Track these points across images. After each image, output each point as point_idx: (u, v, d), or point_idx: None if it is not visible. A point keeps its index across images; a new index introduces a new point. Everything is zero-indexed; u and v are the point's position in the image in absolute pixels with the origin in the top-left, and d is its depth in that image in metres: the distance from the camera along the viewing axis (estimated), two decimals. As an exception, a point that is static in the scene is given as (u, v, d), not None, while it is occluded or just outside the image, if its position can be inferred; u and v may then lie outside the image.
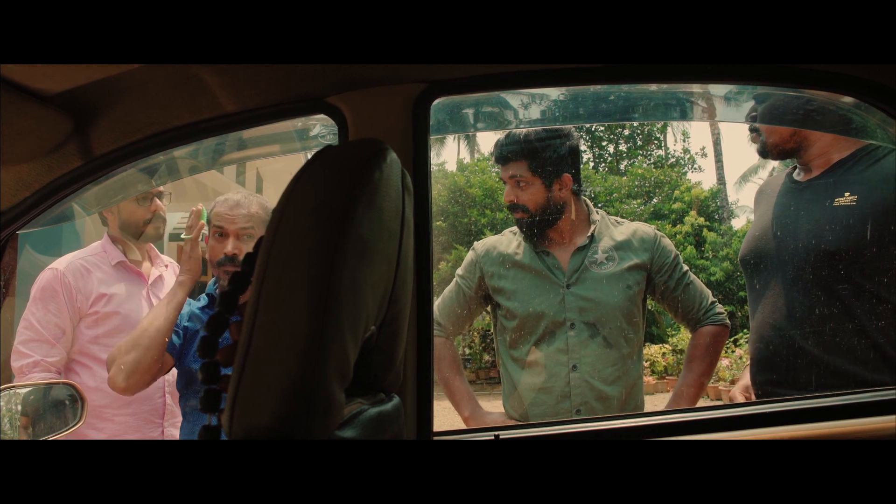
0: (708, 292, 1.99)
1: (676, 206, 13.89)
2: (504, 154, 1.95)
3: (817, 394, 1.28)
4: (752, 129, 1.80)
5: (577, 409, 1.85)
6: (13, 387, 1.63)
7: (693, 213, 13.58)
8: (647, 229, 2.02)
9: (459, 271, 2.08)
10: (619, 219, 2.06)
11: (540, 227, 1.95)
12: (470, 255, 2.08)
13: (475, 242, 2.13)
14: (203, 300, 2.01)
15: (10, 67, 0.97)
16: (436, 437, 1.13)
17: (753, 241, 1.80)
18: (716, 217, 14.63)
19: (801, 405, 1.17)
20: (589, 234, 1.97)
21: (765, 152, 1.79)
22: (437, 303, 2.13)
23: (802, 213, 1.69)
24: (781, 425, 1.13)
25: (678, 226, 13.38)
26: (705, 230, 13.23)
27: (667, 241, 2.00)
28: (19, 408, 1.55)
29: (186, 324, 1.96)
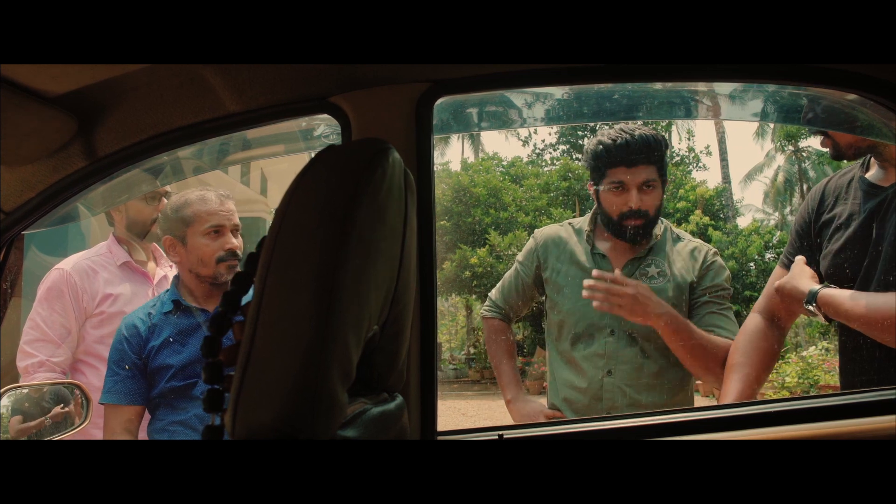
0: (735, 332, 1.86)
1: (681, 204, 13.87)
2: (633, 155, 1.86)
3: (817, 394, 1.28)
4: (820, 133, 1.67)
5: (608, 411, 1.84)
6: (19, 387, 1.64)
7: (698, 211, 13.56)
8: (710, 250, 1.98)
9: (519, 257, 2.12)
10: (682, 233, 2.02)
11: (645, 231, 1.91)
12: (530, 243, 2.10)
13: (535, 230, 2.15)
14: (167, 305, 1.95)
15: (15, 68, 0.97)
16: (440, 437, 1.13)
17: (837, 257, 1.65)
18: (721, 216, 14.61)
19: (801, 405, 1.17)
20: (648, 246, 1.94)
21: (840, 155, 1.65)
22: (497, 286, 2.17)
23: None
24: (781, 425, 1.12)
25: (683, 225, 13.36)
26: (710, 229, 13.21)
27: (721, 264, 1.95)
28: (25, 406, 1.56)
29: (149, 337, 1.91)
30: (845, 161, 1.71)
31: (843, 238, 1.64)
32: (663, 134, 1.97)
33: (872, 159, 1.67)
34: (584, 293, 1.82)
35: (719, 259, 1.96)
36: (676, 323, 1.77)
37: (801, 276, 1.64)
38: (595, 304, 1.79)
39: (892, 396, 1.14)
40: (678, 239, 1.98)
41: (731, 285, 1.99)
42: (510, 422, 1.98)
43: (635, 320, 1.80)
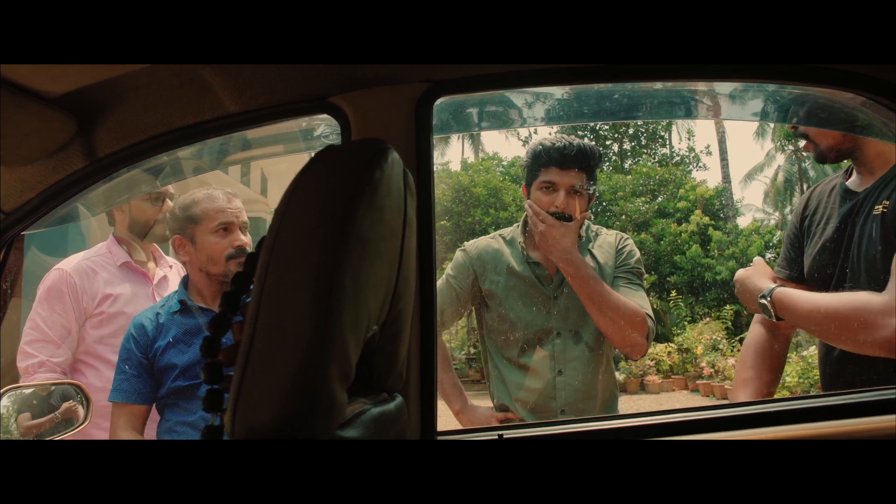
0: (647, 308, 1.95)
1: (681, 204, 13.88)
2: (567, 159, 1.95)
3: (817, 394, 1.28)
4: (802, 137, 1.73)
5: (562, 409, 1.93)
6: (19, 387, 1.64)
7: (698, 211, 13.57)
8: (622, 236, 2.10)
9: (450, 271, 2.14)
10: (601, 229, 2.11)
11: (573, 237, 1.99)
12: (460, 256, 2.13)
13: (465, 244, 2.18)
14: (175, 305, 1.97)
15: (15, 68, 0.97)
16: (439, 437, 1.13)
17: (816, 259, 1.72)
18: (721, 216, 14.61)
19: (801, 405, 1.17)
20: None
21: (822, 158, 1.70)
22: None
23: (863, 227, 1.61)
24: (781, 425, 1.13)
25: (683, 224, 13.37)
26: (710, 229, 13.21)
27: (632, 248, 2.06)
28: (33, 404, 1.56)
29: (156, 337, 1.93)
30: (846, 162, 1.73)
31: (821, 241, 1.70)
32: (600, 148, 2.04)
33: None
34: (528, 212, 1.98)
35: (630, 243, 2.08)
36: (577, 267, 1.88)
37: (763, 275, 1.71)
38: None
39: (892, 396, 1.14)
40: (598, 234, 2.09)
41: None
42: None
43: (546, 254, 1.95)
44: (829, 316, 1.49)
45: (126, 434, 1.88)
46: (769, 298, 1.62)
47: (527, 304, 1.99)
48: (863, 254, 1.57)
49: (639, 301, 1.92)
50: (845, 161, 1.73)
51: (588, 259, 1.98)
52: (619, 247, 2.05)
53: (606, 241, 2.06)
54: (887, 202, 1.53)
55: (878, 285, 1.48)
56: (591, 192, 1.99)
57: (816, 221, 1.75)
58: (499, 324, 2.03)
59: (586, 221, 2.08)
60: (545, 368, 1.95)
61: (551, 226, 1.90)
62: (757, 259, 1.81)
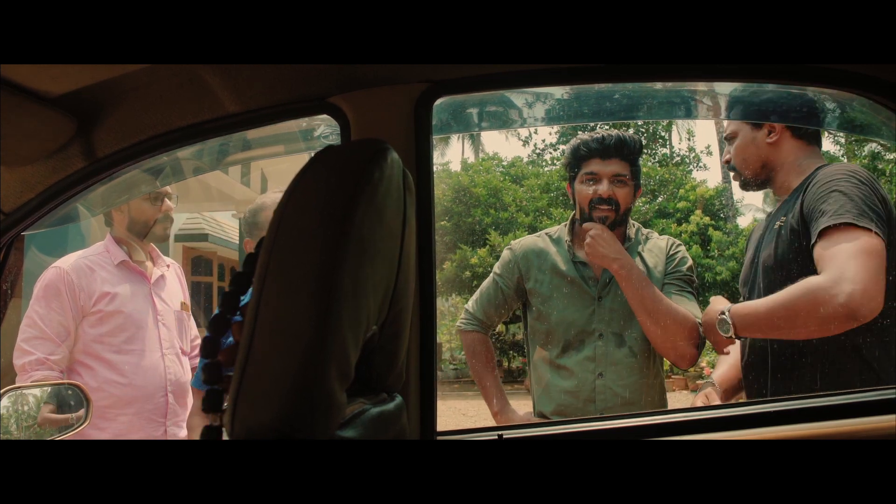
0: (700, 317, 1.91)
1: (681, 204, 13.85)
2: (608, 149, 1.95)
3: (817, 393, 1.28)
4: (731, 169, 1.89)
5: (601, 412, 1.90)
6: (19, 387, 1.64)
7: (698, 211, 13.54)
8: (674, 242, 2.07)
9: (496, 269, 2.14)
10: (652, 233, 2.09)
11: (614, 224, 1.97)
12: (507, 255, 2.13)
13: (511, 241, 2.19)
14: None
15: (15, 68, 0.97)
16: (439, 437, 1.13)
17: (744, 274, 1.91)
18: (721, 216, 14.59)
19: (801, 405, 1.17)
20: (624, 247, 1.99)
21: (745, 186, 1.90)
22: (473, 298, 2.20)
23: (765, 241, 1.80)
24: (781, 425, 1.12)
25: (683, 225, 13.34)
26: (711, 229, 13.19)
27: (684, 255, 2.03)
28: (24, 408, 1.56)
29: None
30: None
31: (747, 261, 1.91)
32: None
33: None
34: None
35: (682, 249, 2.05)
36: (630, 270, 1.86)
37: (718, 302, 1.79)
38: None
39: (892, 396, 1.14)
40: (648, 238, 2.06)
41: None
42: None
43: (597, 261, 1.93)
44: (789, 307, 1.54)
45: (201, 419, 2.00)
46: (727, 313, 1.67)
47: (569, 304, 1.98)
48: (761, 260, 1.77)
49: (691, 309, 1.89)
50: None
51: (637, 261, 1.95)
52: (671, 253, 2.02)
53: (657, 246, 2.03)
54: (784, 218, 1.73)
55: (774, 288, 1.62)
56: (635, 182, 1.99)
57: (750, 244, 1.95)
58: (540, 323, 2.01)
59: (636, 224, 2.07)
60: (585, 370, 1.93)
61: (596, 230, 1.90)
62: (713, 298, 1.87)
